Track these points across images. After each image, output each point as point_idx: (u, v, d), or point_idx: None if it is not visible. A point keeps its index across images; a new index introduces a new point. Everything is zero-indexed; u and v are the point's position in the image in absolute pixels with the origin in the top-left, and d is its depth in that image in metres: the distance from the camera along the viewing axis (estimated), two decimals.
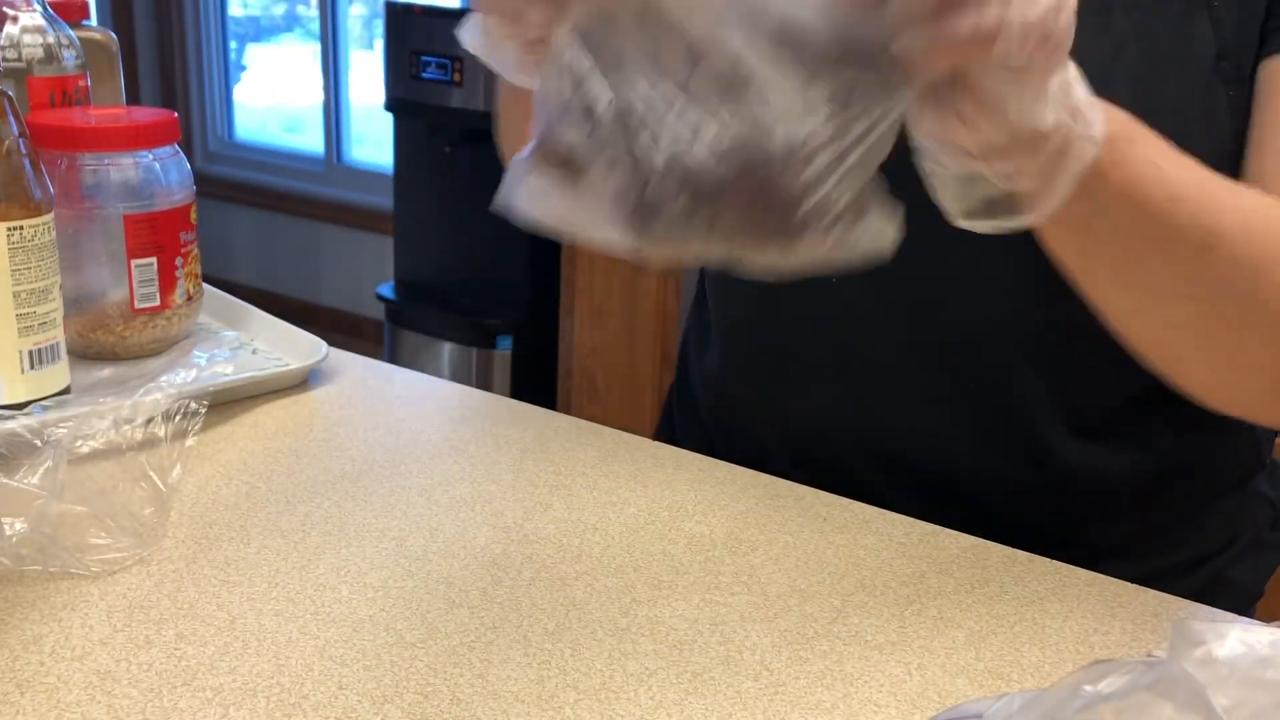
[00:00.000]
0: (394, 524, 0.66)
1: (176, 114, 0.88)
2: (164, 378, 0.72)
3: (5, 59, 0.91)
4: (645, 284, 2.31)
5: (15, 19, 0.92)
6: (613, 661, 0.54)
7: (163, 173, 0.85)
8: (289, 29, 4.17)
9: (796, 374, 0.77)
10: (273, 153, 3.94)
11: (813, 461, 0.76)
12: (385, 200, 3.10)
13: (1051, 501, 0.75)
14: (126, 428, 0.68)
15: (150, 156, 0.84)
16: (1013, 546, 0.66)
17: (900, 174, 0.45)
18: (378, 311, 2.96)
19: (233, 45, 4.07)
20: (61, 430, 0.65)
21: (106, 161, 0.83)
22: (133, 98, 3.17)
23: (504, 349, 2.72)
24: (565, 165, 0.41)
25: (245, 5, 4.13)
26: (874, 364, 0.74)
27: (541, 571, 0.61)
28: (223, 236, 3.90)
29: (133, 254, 0.83)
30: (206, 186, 3.05)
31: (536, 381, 2.72)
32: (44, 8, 0.94)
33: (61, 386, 0.75)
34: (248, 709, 0.49)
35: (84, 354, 0.85)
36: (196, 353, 0.87)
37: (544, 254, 2.63)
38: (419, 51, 2.71)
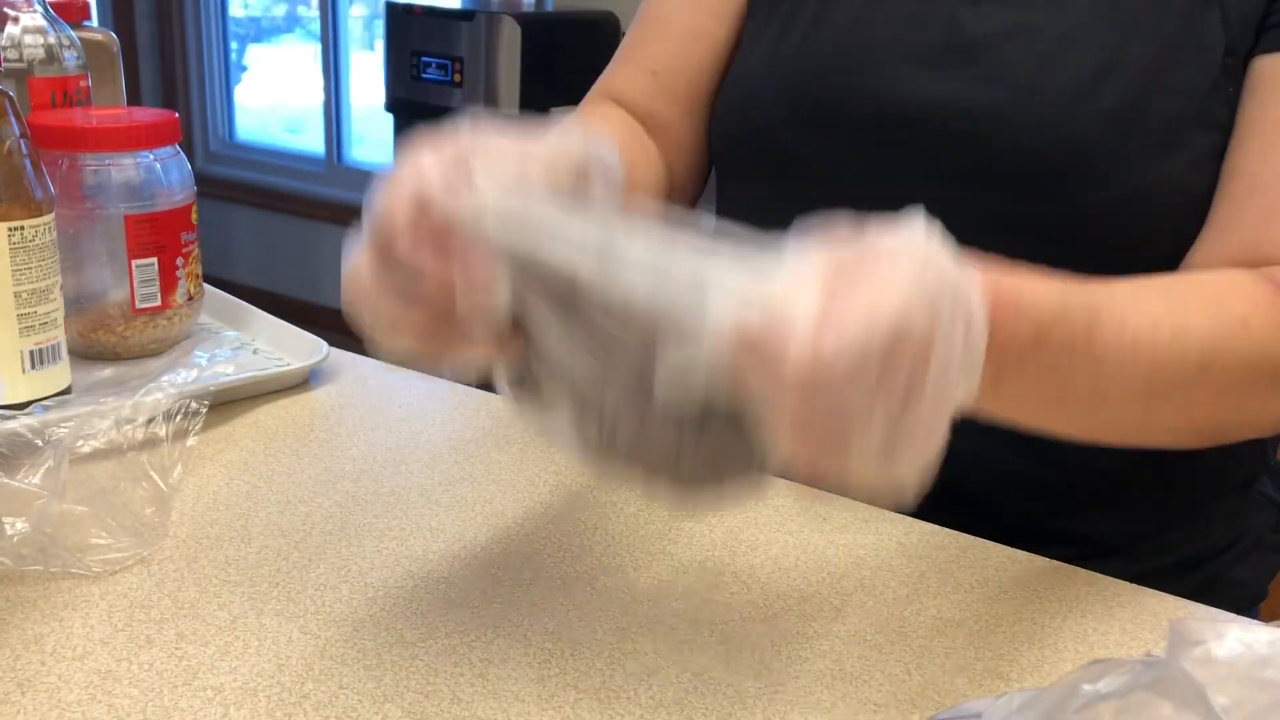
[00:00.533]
0: (394, 524, 0.66)
1: (177, 114, 0.88)
2: (165, 378, 0.72)
3: (6, 59, 0.91)
4: None
5: (16, 19, 0.92)
6: (613, 661, 0.54)
7: (164, 173, 0.85)
8: (289, 29, 4.17)
9: None
10: (273, 153, 3.95)
11: None
12: None
13: (1052, 499, 0.75)
14: (127, 428, 0.68)
15: (151, 157, 0.84)
16: (1012, 545, 0.66)
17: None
18: None
19: (233, 46, 4.07)
20: (63, 430, 0.65)
21: (107, 162, 0.83)
22: (133, 98, 3.17)
23: None
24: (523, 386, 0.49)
25: (246, 6, 4.13)
26: None
27: (541, 571, 0.61)
28: (223, 236, 3.91)
29: (134, 254, 0.83)
30: (207, 187, 3.05)
31: None
32: (45, 8, 0.94)
33: (62, 386, 0.75)
34: (248, 709, 0.49)
35: (85, 354, 0.85)
36: (197, 353, 0.87)
37: None
38: (419, 52, 2.71)
